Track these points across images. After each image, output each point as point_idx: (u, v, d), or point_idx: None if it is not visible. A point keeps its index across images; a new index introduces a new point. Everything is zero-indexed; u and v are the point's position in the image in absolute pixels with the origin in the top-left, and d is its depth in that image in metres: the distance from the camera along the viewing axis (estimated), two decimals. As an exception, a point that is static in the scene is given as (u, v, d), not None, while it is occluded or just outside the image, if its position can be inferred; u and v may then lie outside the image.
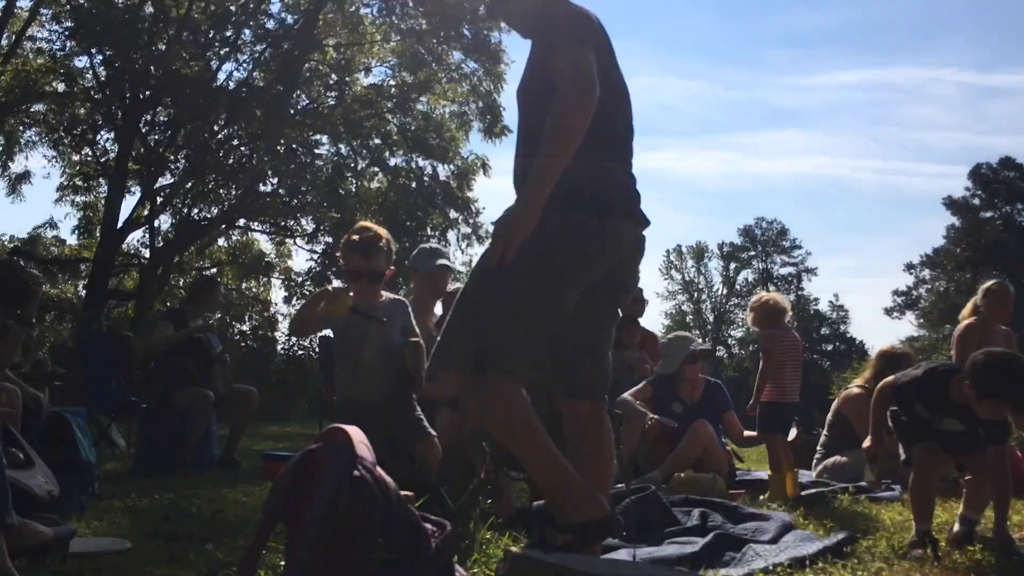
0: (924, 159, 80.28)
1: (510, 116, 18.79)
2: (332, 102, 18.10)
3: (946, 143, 75.57)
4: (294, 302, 19.48)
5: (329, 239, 18.84)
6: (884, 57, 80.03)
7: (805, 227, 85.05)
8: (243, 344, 17.53)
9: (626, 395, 5.63)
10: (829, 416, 5.89)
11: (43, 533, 2.88)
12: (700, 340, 6.20)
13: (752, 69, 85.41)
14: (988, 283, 6.06)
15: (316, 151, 18.26)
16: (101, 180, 18.26)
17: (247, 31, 17.27)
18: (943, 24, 76.86)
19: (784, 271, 56.10)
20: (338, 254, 4.33)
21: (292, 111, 17.17)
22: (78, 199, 19.32)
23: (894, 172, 79.50)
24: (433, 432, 3.94)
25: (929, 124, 77.86)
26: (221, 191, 18.26)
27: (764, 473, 5.78)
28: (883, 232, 78.28)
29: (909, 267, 47.04)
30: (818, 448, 5.85)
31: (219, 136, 17.37)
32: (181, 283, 20.51)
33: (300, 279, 19.69)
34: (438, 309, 4.74)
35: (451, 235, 18.77)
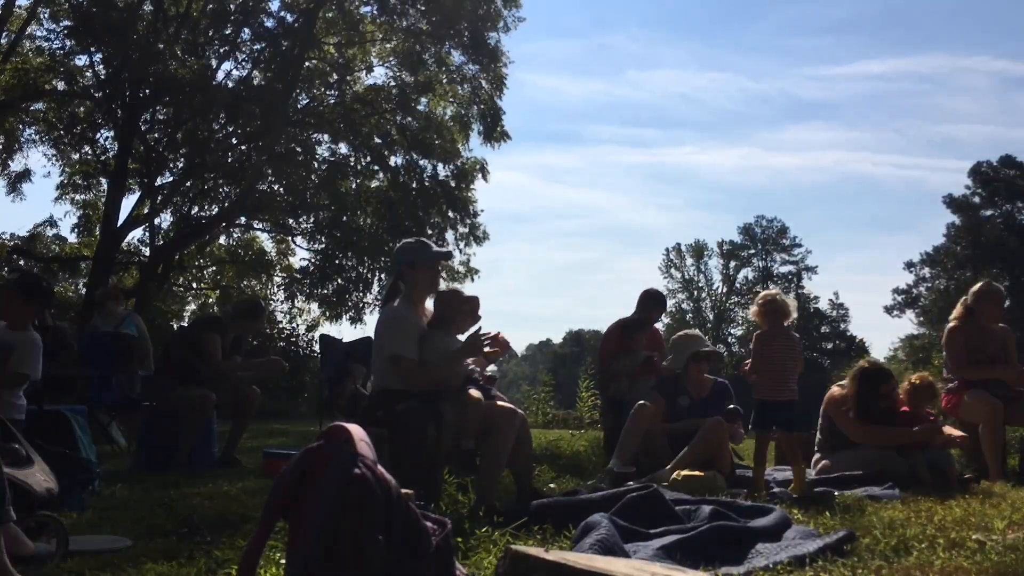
0: (949, 154, 78.49)
1: (509, 121, 18.80)
2: (332, 101, 18.09)
3: (974, 137, 73.35)
4: (296, 301, 19.48)
5: (325, 238, 18.83)
6: (913, 45, 77.74)
7: (820, 225, 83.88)
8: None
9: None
10: (820, 418, 5.87)
11: (27, 546, 2.87)
12: (708, 341, 6.21)
13: (778, 59, 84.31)
14: (978, 284, 6.16)
15: (315, 150, 18.26)
16: (101, 179, 18.27)
17: (246, 30, 17.26)
18: (977, 8, 73.70)
19: (784, 269, 56.14)
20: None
21: (291, 110, 17.16)
22: (78, 197, 19.33)
23: (917, 167, 77.47)
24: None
25: (957, 116, 75.92)
26: (221, 189, 18.26)
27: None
28: (903, 229, 77.22)
29: (909, 265, 47.05)
30: (815, 448, 5.84)
31: (218, 135, 17.35)
32: (180, 281, 20.50)
33: (300, 277, 19.68)
34: (429, 304, 4.75)
35: (449, 235, 18.76)
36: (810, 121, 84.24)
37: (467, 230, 18.80)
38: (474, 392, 4.34)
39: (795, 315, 5.28)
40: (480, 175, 18.60)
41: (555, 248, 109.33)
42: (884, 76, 78.54)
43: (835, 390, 5.76)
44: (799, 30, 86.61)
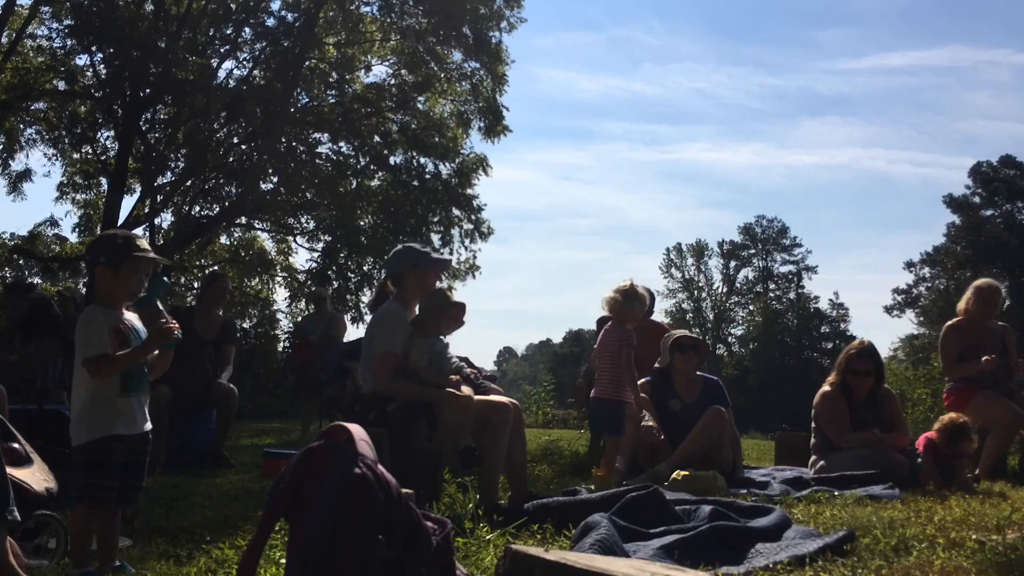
0: (966, 152, 76.66)
1: (521, 117, 18.84)
2: (332, 100, 18.10)
3: (994, 134, 70.87)
4: (297, 301, 19.50)
5: (329, 237, 18.84)
6: (935, 36, 74.96)
7: (831, 224, 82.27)
8: (244, 342, 17.51)
9: None
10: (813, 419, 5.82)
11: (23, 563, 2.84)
12: (689, 331, 6.13)
13: (800, 51, 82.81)
14: (977, 282, 6.14)
15: (316, 150, 18.27)
16: (101, 178, 18.27)
17: (247, 29, 17.26)
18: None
19: (784, 269, 56.16)
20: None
21: (292, 109, 17.16)
22: (79, 197, 19.32)
23: (933, 165, 75.66)
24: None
25: (976, 112, 74.04)
26: (221, 189, 18.26)
27: (763, 469, 5.77)
28: (913, 228, 75.94)
29: (909, 265, 47.05)
30: (810, 449, 5.80)
31: (219, 134, 17.36)
32: (182, 280, 20.51)
33: (302, 277, 19.71)
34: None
35: (454, 232, 18.76)
36: (826, 116, 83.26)
37: (471, 226, 18.82)
38: (466, 389, 4.33)
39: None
40: (482, 170, 18.62)
41: (563, 247, 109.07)
42: (904, 70, 77.12)
43: (826, 389, 5.70)
44: (820, 22, 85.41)
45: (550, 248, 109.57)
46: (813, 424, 5.74)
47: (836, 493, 4.56)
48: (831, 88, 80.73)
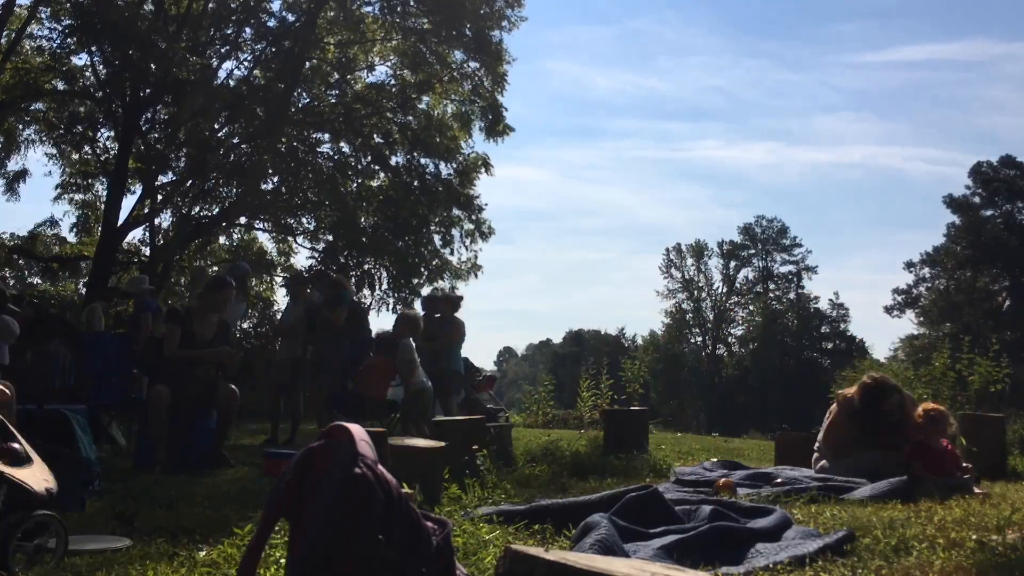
0: (984, 150, 75.02)
1: (511, 116, 18.85)
2: (333, 100, 18.09)
3: (1014, 130, 68.92)
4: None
5: (330, 237, 18.83)
6: (954, 29, 71.88)
7: (841, 224, 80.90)
8: (244, 342, 17.50)
9: None
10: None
11: None
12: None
13: (817, 45, 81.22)
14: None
15: (317, 149, 18.27)
16: (101, 178, 18.27)
17: (248, 29, 17.25)
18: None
19: (784, 269, 56.13)
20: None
21: (293, 109, 17.15)
22: (78, 197, 19.33)
23: (948, 163, 74.18)
24: None
25: (996, 108, 72.46)
26: (222, 189, 18.25)
27: (766, 468, 5.77)
28: (922, 227, 74.46)
29: (909, 265, 47.00)
30: (815, 446, 5.78)
31: (220, 134, 17.35)
32: (182, 281, 20.51)
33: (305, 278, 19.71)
34: None
35: (454, 232, 18.77)
36: (841, 111, 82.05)
37: (472, 227, 18.82)
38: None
39: None
40: (483, 170, 18.62)
41: (571, 247, 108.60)
42: (922, 63, 75.52)
43: (848, 390, 5.73)
44: (838, 14, 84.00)
45: (557, 248, 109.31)
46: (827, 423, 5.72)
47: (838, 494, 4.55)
48: (847, 83, 79.93)
